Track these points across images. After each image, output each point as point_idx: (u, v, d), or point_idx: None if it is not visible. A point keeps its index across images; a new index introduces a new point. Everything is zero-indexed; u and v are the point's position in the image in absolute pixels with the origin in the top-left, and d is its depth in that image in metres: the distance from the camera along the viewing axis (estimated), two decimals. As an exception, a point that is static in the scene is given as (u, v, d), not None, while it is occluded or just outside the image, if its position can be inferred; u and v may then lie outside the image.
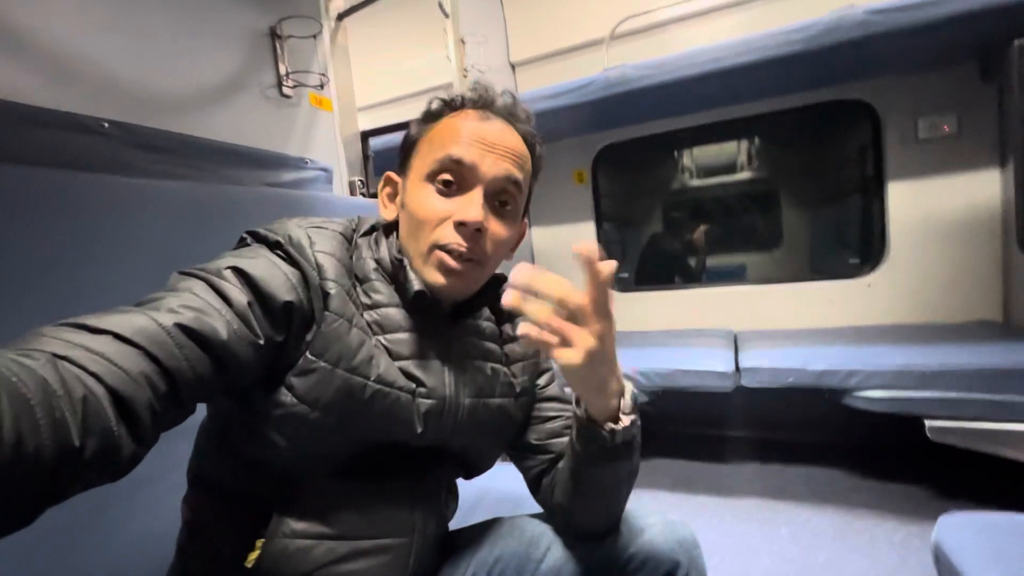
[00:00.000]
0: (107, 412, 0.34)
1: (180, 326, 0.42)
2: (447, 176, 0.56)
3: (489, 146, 0.57)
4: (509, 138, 0.59)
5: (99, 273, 0.80)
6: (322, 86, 1.45)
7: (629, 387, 0.56)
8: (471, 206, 0.55)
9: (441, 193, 0.57)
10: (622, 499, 0.63)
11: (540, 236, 2.80)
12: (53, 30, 0.88)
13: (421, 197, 0.57)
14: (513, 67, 2.80)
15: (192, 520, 0.62)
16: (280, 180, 1.27)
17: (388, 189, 0.65)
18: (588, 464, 0.58)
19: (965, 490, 1.67)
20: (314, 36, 1.39)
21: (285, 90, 1.34)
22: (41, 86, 0.85)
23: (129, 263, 0.84)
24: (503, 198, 0.58)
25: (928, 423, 1.49)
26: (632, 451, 0.58)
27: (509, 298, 0.46)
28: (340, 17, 1.55)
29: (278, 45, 1.30)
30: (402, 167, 0.63)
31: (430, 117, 0.62)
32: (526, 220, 0.66)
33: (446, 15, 1.95)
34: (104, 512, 0.76)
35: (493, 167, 0.56)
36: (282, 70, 1.32)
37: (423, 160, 0.58)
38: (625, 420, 0.55)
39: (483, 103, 0.61)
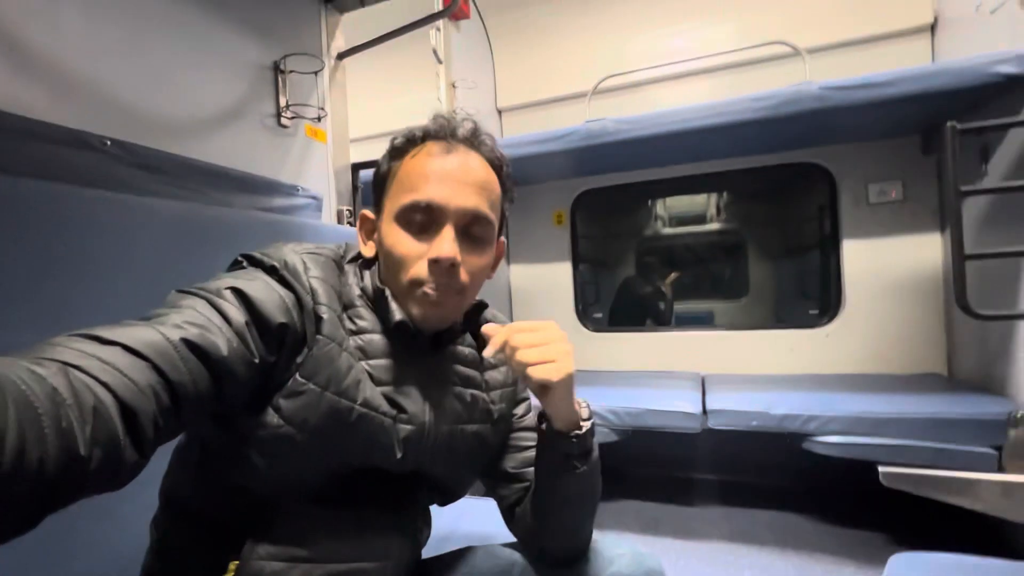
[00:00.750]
0: (115, 422, 0.35)
1: (186, 341, 0.43)
2: (417, 216, 0.58)
3: (455, 181, 0.58)
4: (474, 167, 0.60)
5: (91, 284, 0.80)
6: (319, 119, 1.51)
7: (584, 402, 0.62)
8: (443, 243, 0.56)
9: (413, 232, 0.58)
10: (587, 518, 0.65)
11: (518, 274, 2.86)
12: (63, 49, 0.90)
13: (394, 238, 0.58)
14: (500, 113, 2.93)
15: (161, 542, 0.61)
16: (271, 205, 1.30)
17: (366, 226, 0.66)
18: (554, 475, 0.61)
19: (918, 534, 1.74)
20: (315, 73, 1.45)
21: (283, 120, 1.38)
22: (48, 102, 0.87)
23: (121, 276, 0.85)
24: (473, 230, 0.60)
25: (881, 469, 1.56)
26: (591, 460, 0.62)
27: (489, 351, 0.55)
28: (340, 56, 1.62)
29: (280, 79, 1.36)
30: (376, 205, 0.65)
31: (396, 153, 0.63)
32: (503, 239, 0.68)
33: (439, 61, 2.07)
34: (69, 531, 0.73)
35: (460, 202, 0.58)
36: (282, 102, 1.37)
37: (393, 200, 0.60)
38: (585, 426, 0.60)
39: (444, 134, 0.62)
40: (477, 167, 0.60)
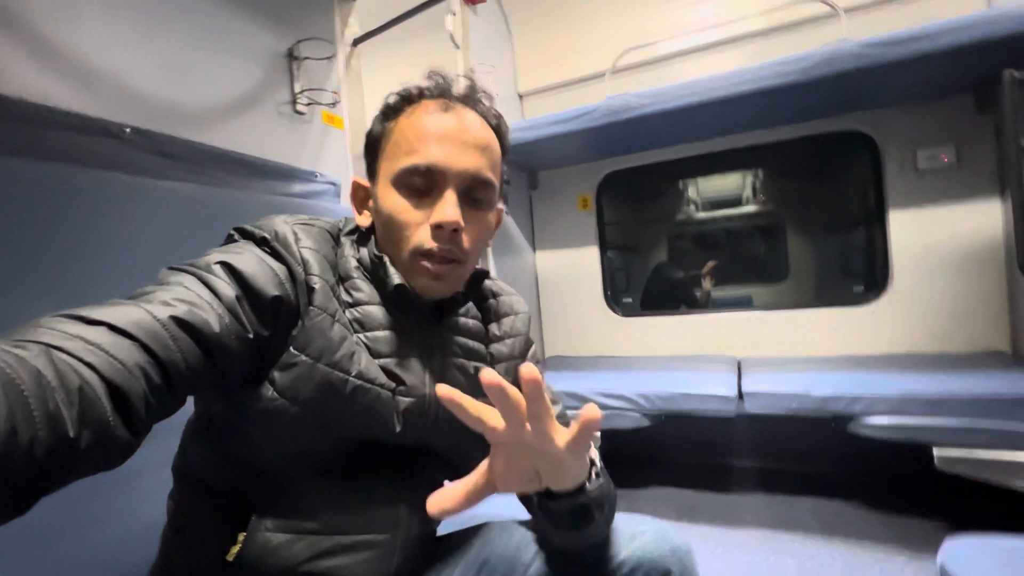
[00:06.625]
0: (103, 403, 0.35)
1: (175, 318, 0.42)
2: (417, 180, 0.55)
3: (456, 142, 0.55)
4: (474, 126, 0.57)
5: (112, 265, 0.82)
6: (334, 104, 1.51)
7: (592, 450, 0.56)
8: (446, 207, 0.54)
9: (413, 196, 0.56)
10: (601, 540, 0.61)
11: (544, 261, 2.82)
12: (84, 41, 0.93)
13: (393, 203, 0.56)
14: (520, 97, 2.89)
15: (177, 516, 0.61)
16: (289, 191, 1.32)
17: (359, 195, 0.64)
18: (554, 530, 0.57)
19: (977, 522, 1.61)
20: (329, 58, 1.46)
21: (299, 107, 1.39)
22: (70, 92, 0.90)
23: (141, 257, 0.87)
24: (475, 194, 0.58)
25: (937, 452, 1.45)
26: (595, 513, 0.55)
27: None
28: (355, 43, 1.62)
29: (294, 65, 1.37)
30: (370, 170, 0.62)
31: (390, 113, 0.60)
32: (501, 206, 0.65)
33: (456, 46, 2.05)
34: (89, 506, 0.76)
35: (462, 165, 0.55)
36: (297, 88, 1.38)
37: (389, 163, 0.58)
38: (590, 485, 0.53)
39: (441, 91, 0.59)
40: (477, 126, 0.58)
